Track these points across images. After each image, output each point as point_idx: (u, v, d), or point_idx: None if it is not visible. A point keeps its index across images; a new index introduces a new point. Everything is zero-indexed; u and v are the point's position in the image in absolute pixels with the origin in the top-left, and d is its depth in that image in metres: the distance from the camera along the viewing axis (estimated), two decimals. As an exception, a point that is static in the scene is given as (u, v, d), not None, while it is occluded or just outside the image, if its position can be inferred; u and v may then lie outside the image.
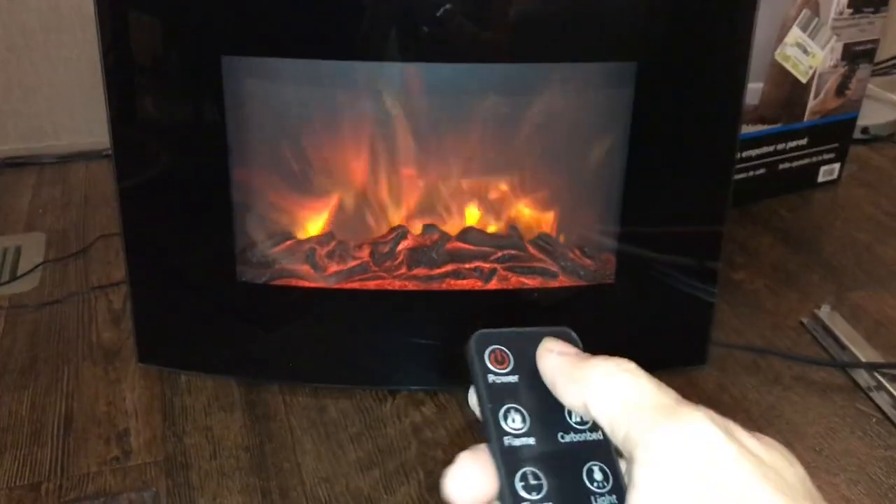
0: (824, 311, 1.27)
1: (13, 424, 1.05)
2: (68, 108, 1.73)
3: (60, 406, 1.08)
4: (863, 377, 1.14)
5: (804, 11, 1.47)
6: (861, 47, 1.57)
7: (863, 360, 1.16)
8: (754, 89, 1.48)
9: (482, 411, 0.28)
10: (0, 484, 0.96)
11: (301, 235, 1.13)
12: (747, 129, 1.52)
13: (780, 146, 1.60)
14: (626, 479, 0.27)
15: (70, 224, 1.51)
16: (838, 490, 0.97)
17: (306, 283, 1.10)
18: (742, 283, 1.37)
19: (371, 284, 1.10)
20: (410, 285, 1.10)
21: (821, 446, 1.03)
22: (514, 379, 0.28)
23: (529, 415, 0.28)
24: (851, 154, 1.72)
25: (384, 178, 1.12)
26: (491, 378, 0.28)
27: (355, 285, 1.10)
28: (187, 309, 1.12)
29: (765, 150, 1.58)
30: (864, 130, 1.85)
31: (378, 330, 1.12)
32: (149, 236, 1.08)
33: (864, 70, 1.60)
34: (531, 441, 0.27)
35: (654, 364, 1.19)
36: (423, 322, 1.12)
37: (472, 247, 1.12)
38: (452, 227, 1.13)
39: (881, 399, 1.11)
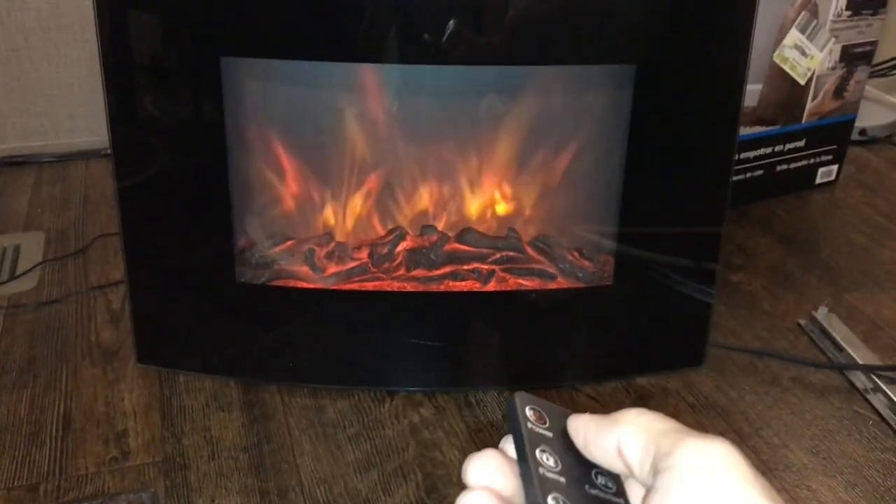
0: (822, 313, 1.27)
1: (11, 424, 1.05)
2: (68, 107, 1.73)
3: (59, 406, 1.08)
4: (860, 379, 1.15)
5: (803, 13, 1.47)
6: (859, 49, 1.57)
7: (860, 362, 1.17)
8: (753, 91, 1.49)
9: (519, 446, 0.30)
10: (-1, 484, 0.96)
11: (300, 236, 1.13)
12: (745, 131, 1.52)
13: (779, 148, 1.60)
14: None
15: (69, 223, 1.51)
16: (835, 493, 0.97)
17: (305, 284, 1.10)
18: (740, 284, 1.37)
19: (370, 285, 1.10)
20: (409, 286, 1.10)
21: (818, 448, 1.04)
22: (549, 434, 0.31)
23: (562, 463, 0.30)
24: (849, 156, 1.72)
25: (383, 179, 1.12)
26: (530, 425, 0.30)
27: (354, 286, 1.10)
28: (186, 309, 1.12)
29: (763, 151, 1.58)
30: (862, 132, 1.85)
31: (377, 331, 1.12)
32: (148, 236, 1.08)
33: (862, 72, 1.61)
34: (562, 479, 0.29)
35: (652, 365, 1.19)
36: (422, 323, 1.12)
37: (470, 248, 1.12)
38: (451, 229, 1.13)
39: (878, 401, 1.11)
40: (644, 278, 1.10)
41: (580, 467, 0.30)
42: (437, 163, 1.13)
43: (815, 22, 1.49)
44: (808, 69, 1.53)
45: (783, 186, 1.65)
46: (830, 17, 1.50)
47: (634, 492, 0.30)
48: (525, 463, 0.29)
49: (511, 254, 1.13)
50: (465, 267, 1.11)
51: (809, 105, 1.58)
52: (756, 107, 1.51)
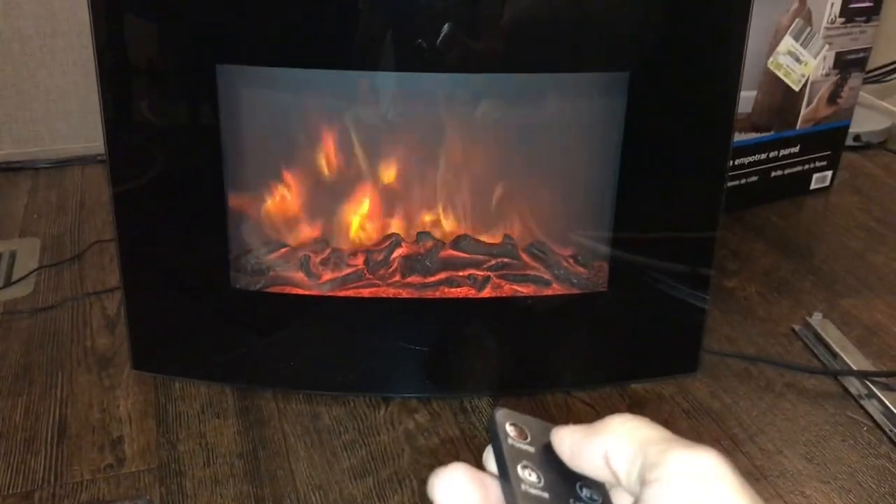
0: (816, 319, 1.27)
1: (6, 431, 1.05)
2: (64, 113, 1.73)
3: (54, 413, 1.08)
4: (854, 385, 1.15)
5: (797, 20, 1.48)
6: (853, 56, 1.58)
7: (854, 367, 1.17)
8: (747, 97, 1.49)
9: (500, 463, 0.29)
10: (-7, 491, 0.96)
11: (295, 243, 1.13)
12: (740, 137, 1.53)
13: (773, 154, 1.61)
14: None
15: (65, 229, 1.51)
16: (830, 499, 0.97)
17: (300, 291, 1.10)
18: (734, 290, 1.38)
19: (365, 292, 1.10)
20: (404, 293, 1.10)
21: (812, 454, 1.04)
22: (531, 449, 0.30)
23: (545, 478, 0.29)
24: (843, 161, 1.73)
25: (378, 186, 1.12)
26: (511, 441, 0.30)
27: (349, 293, 1.10)
28: (182, 315, 1.12)
29: (757, 157, 1.59)
30: (857, 138, 1.86)
31: (372, 337, 1.12)
32: (144, 242, 1.08)
33: (855, 78, 1.61)
34: (545, 496, 0.29)
35: (647, 371, 1.20)
36: (417, 329, 1.12)
37: (465, 254, 1.12)
38: (446, 235, 1.14)
39: (872, 407, 1.11)
40: (638, 284, 1.11)
41: (564, 481, 0.30)
42: (432, 169, 1.13)
43: (808, 29, 1.49)
44: (803, 76, 1.53)
45: (778, 192, 1.66)
46: (824, 23, 1.51)
47: (622, 500, 0.30)
48: (507, 481, 0.29)
49: (506, 260, 1.13)
50: (461, 273, 1.11)
51: (804, 111, 1.58)
52: (750, 113, 1.52)
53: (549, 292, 1.12)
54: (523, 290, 1.12)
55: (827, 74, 1.57)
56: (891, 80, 1.93)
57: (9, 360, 1.17)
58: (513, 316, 1.13)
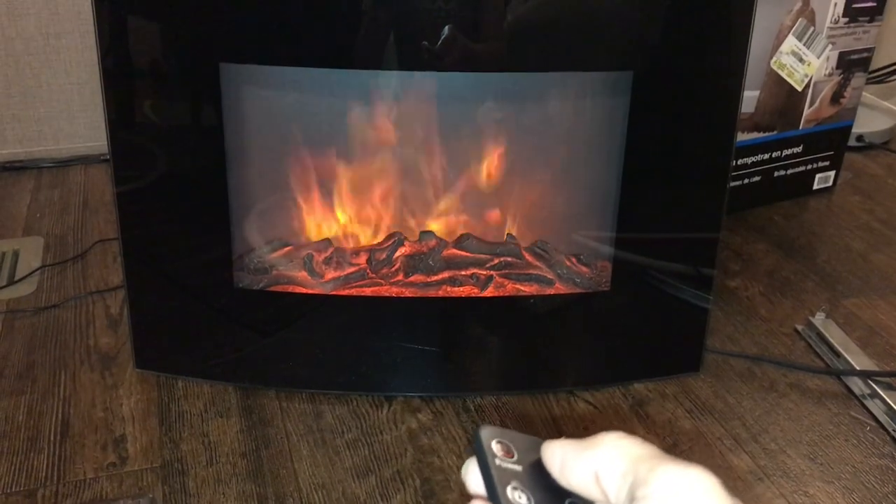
0: (819, 319, 1.27)
1: (9, 430, 1.05)
2: (67, 112, 1.74)
3: (57, 411, 1.08)
4: (857, 385, 1.15)
5: (800, 20, 1.48)
6: (856, 56, 1.58)
7: (857, 367, 1.17)
8: (750, 97, 1.49)
9: (489, 486, 0.29)
10: (-3, 489, 0.96)
11: (298, 241, 1.13)
12: (743, 137, 1.53)
13: (776, 154, 1.61)
14: None
15: (68, 228, 1.51)
16: (833, 498, 0.97)
17: (303, 290, 1.10)
18: (737, 290, 1.38)
19: (368, 291, 1.10)
20: (407, 292, 1.10)
21: (815, 454, 1.04)
22: (518, 468, 0.30)
23: (534, 499, 0.29)
24: (846, 162, 1.73)
25: (381, 185, 1.13)
26: (498, 461, 0.29)
27: (352, 292, 1.10)
28: (185, 314, 1.12)
29: (760, 157, 1.59)
30: (859, 138, 1.86)
31: (375, 336, 1.12)
32: (147, 241, 1.08)
33: (859, 78, 1.61)
34: None
35: (650, 371, 1.19)
36: (420, 328, 1.12)
37: (468, 254, 1.12)
38: (449, 234, 1.14)
39: (875, 407, 1.11)
40: (641, 284, 1.11)
41: (553, 500, 0.29)
42: (435, 168, 1.13)
43: (812, 29, 1.49)
44: (806, 76, 1.53)
45: (780, 192, 1.66)
46: (827, 23, 1.50)
47: None
48: (496, 501, 0.28)
49: (509, 259, 1.13)
50: (464, 272, 1.11)
51: (807, 111, 1.58)
52: (753, 113, 1.52)
53: (551, 292, 1.12)
54: (526, 289, 1.12)
55: (830, 74, 1.57)
56: (894, 80, 1.92)
57: (12, 358, 1.18)
58: (515, 315, 1.13)
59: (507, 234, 1.15)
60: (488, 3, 0.98)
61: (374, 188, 1.12)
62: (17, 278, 1.35)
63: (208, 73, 0.98)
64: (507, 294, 1.11)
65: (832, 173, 1.71)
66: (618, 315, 1.14)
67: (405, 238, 1.13)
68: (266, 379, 1.13)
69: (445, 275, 1.11)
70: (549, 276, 1.13)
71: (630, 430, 1.10)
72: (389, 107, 1.08)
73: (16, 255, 1.43)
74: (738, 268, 1.44)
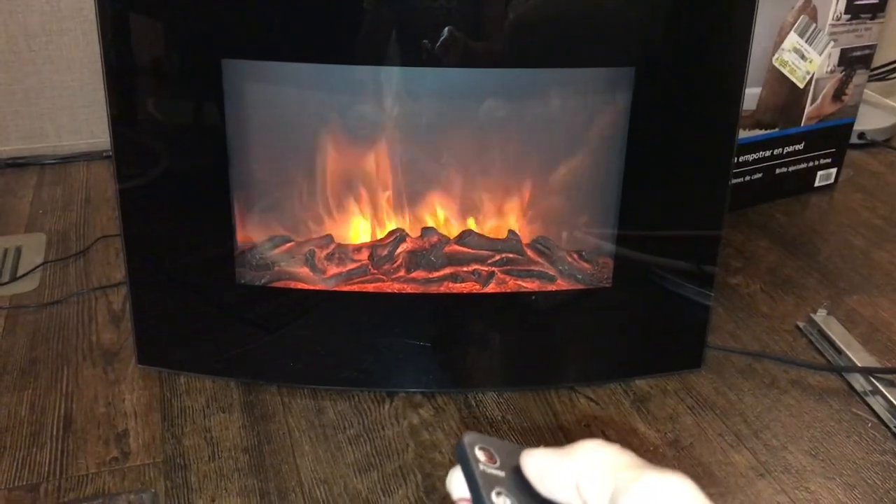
0: (820, 315, 1.27)
1: (12, 425, 1.05)
2: (70, 109, 1.74)
3: (60, 407, 1.08)
4: (858, 381, 1.15)
5: (802, 17, 1.48)
6: (858, 53, 1.58)
7: (858, 364, 1.17)
8: (752, 94, 1.49)
9: (474, 492, 0.29)
10: None
11: (300, 238, 1.13)
12: (744, 134, 1.53)
13: (777, 151, 1.61)
14: None
15: (70, 225, 1.52)
16: (834, 495, 0.97)
17: (305, 286, 1.10)
18: (738, 286, 1.38)
19: (370, 287, 1.10)
20: (409, 288, 1.10)
21: (816, 451, 1.04)
22: (501, 474, 0.30)
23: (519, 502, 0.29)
24: (848, 159, 1.73)
25: (383, 181, 1.13)
26: (482, 467, 0.29)
27: (354, 288, 1.10)
28: (187, 310, 1.12)
29: (762, 154, 1.59)
30: (861, 135, 1.86)
31: (376, 332, 1.12)
32: (149, 238, 1.08)
33: (860, 75, 1.61)
34: None
35: (651, 367, 1.19)
36: (422, 324, 1.12)
37: (470, 250, 1.13)
38: (451, 231, 1.14)
39: (876, 403, 1.11)
40: (643, 280, 1.11)
41: None
42: (437, 165, 1.13)
43: (814, 26, 1.49)
44: (808, 73, 1.53)
45: (782, 189, 1.66)
46: (829, 20, 1.50)
47: None
48: None
49: (511, 256, 1.13)
50: (465, 269, 1.12)
51: (808, 108, 1.58)
52: (755, 110, 1.52)
53: (553, 288, 1.12)
54: (528, 285, 1.12)
55: (832, 71, 1.57)
56: (896, 77, 1.92)
57: (15, 354, 1.18)
58: (517, 311, 1.13)
59: (509, 230, 1.15)
60: (490, -1, 0.98)
61: (375, 184, 1.13)
62: (19, 274, 1.36)
63: (210, 69, 0.98)
64: (508, 290, 1.11)
65: (834, 171, 1.71)
66: (619, 311, 1.14)
67: (407, 234, 1.13)
68: (268, 375, 1.13)
69: (447, 271, 1.11)
70: (551, 272, 1.13)
71: (631, 426, 1.10)
72: (391, 103, 1.08)
73: (18, 251, 1.43)
74: (739, 265, 1.44)
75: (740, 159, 1.55)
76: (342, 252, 1.13)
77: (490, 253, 1.13)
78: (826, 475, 1.00)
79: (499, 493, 0.29)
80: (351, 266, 1.12)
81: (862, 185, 1.74)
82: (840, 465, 1.02)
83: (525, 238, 1.15)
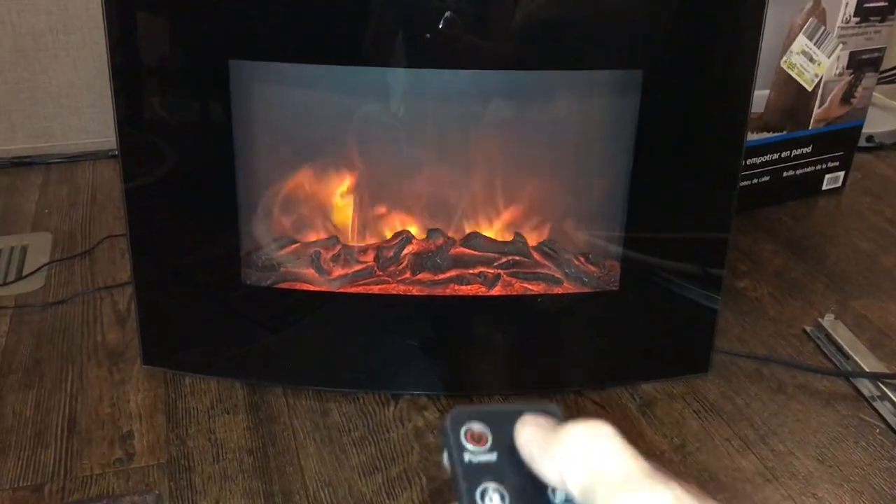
0: (828, 320, 1.26)
1: (17, 425, 1.05)
2: (76, 108, 1.74)
3: (64, 407, 1.08)
4: (866, 387, 1.14)
5: (810, 20, 1.47)
6: (867, 56, 1.57)
7: (866, 369, 1.16)
8: (759, 97, 1.48)
9: (458, 490, 0.27)
10: (3, 485, 0.96)
11: (306, 239, 1.13)
12: (752, 137, 1.52)
13: (785, 154, 1.60)
14: None
15: (76, 224, 1.52)
16: (842, 501, 0.97)
17: (311, 287, 1.10)
18: (745, 290, 1.37)
19: (375, 289, 1.10)
20: (415, 290, 1.10)
21: (824, 456, 1.03)
22: (492, 457, 0.27)
23: (510, 494, 0.27)
24: (856, 162, 1.72)
25: (389, 183, 1.12)
26: (468, 457, 0.27)
27: (360, 289, 1.10)
28: (192, 311, 1.12)
29: (769, 157, 1.58)
30: (870, 138, 1.85)
31: (382, 334, 1.12)
32: (155, 238, 1.08)
33: (869, 78, 1.60)
34: None
35: (657, 371, 1.19)
36: (427, 327, 1.12)
37: (476, 252, 1.12)
38: (457, 233, 1.13)
39: (885, 409, 1.10)
40: (650, 284, 1.10)
41: (533, 487, 0.27)
42: (444, 166, 1.13)
43: (822, 28, 1.48)
44: (816, 75, 1.52)
45: (790, 192, 1.65)
46: (838, 23, 1.50)
47: None
48: None
49: (517, 258, 1.13)
50: (471, 271, 1.11)
51: (816, 111, 1.58)
52: (763, 112, 1.51)
53: (559, 291, 1.12)
54: (534, 288, 1.11)
55: (840, 74, 1.56)
56: (905, 80, 1.91)
57: (20, 354, 1.18)
58: (523, 314, 1.12)
59: (515, 232, 1.14)
60: (498, 1, 0.98)
61: (381, 185, 1.12)
62: (25, 274, 1.36)
63: (217, 69, 0.98)
64: (514, 293, 1.11)
65: (842, 174, 1.70)
66: (626, 315, 1.13)
67: (413, 236, 1.12)
68: (273, 376, 1.13)
69: (453, 273, 1.11)
70: (557, 275, 1.13)
71: (637, 430, 1.09)
72: (398, 104, 1.08)
73: (24, 250, 1.43)
74: (746, 268, 1.43)
75: (748, 162, 1.55)
76: (348, 253, 1.12)
77: (496, 255, 1.12)
78: (833, 481, 1.00)
79: (486, 490, 0.27)
80: (357, 267, 1.11)
81: (870, 188, 1.73)
82: (847, 471, 1.01)
83: (531, 241, 1.14)
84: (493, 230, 1.15)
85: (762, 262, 1.45)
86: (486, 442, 0.28)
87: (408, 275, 1.11)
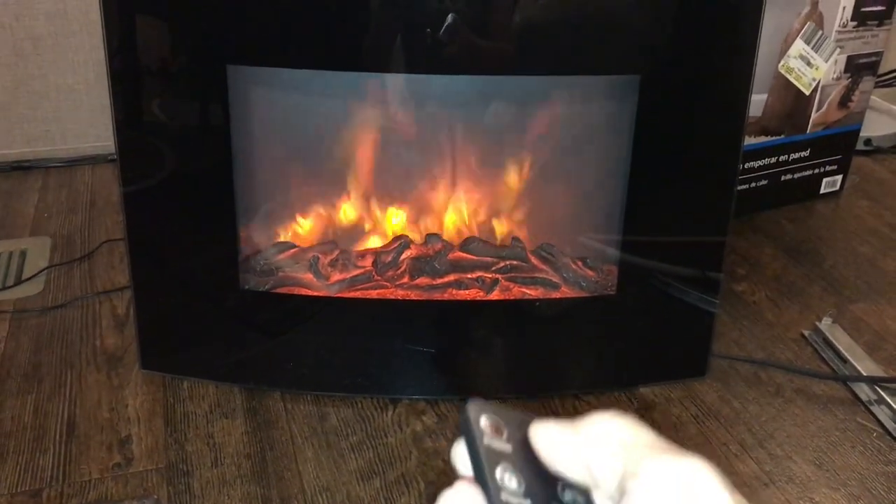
0: (826, 324, 1.27)
1: (16, 430, 1.05)
2: (75, 112, 1.74)
3: (63, 412, 1.08)
4: (864, 391, 1.15)
5: (808, 24, 1.47)
6: (864, 60, 1.57)
7: (864, 373, 1.16)
8: (757, 101, 1.49)
9: (477, 468, 0.27)
10: (1, 490, 0.96)
11: (304, 244, 1.13)
12: (750, 141, 1.52)
13: (783, 157, 1.60)
14: None
15: (75, 228, 1.52)
16: (838, 504, 0.97)
17: (309, 292, 1.10)
18: (743, 294, 1.37)
19: (373, 293, 1.10)
20: (413, 294, 1.10)
21: (821, 460, 1.03)
22: (508, 448, 0.28)
23: (525, 481, 0.27)
24: (854, 166, 1.72)
25: (387, 187, 1.13)
26: (487, 440, 0.27)
27: (358, 294, 1.10)
28: (191, 315, 1.12)
29: (767, 161, 1.58)
30: (867, 142, 1.85)
31: (380, 338, 1.12)
32: (153, 242, 1.08)
33: (867, 82, 1.61)
34: (527, 502, 0.26)
35: (655, 375, 1.19)
36: (425, 331, 1.12)
37: (474, 257, 1.12)
38: (455, 237, 1.14)
39: (882, 413, 1.11)
40: (648, 288, 1.10)
41: (544, 482, 0.27)
42: (441, 171, 1.13)
43: (820, 33, 1.49)
44: (814, 79, 1.53)
45: (787, 196, 1.65)
46: (836, 27, 1.50)
47: (605, 501, 0.28)
48: (486, 488, 0.26)
49: (515, 263, 1.13)
50: (469, 275, 1.11)
51: (814, 115, 1.58)
52: (761, 117, 1.51)
53: (557, 295, 1.12)
54: (532, 292, 1.12)
55: (838, 78, 1.56)
56: (902, 84, 1.92)
57: (18, 358, 1.18)
58: (521, 318, 1.13)
59: (513, 237, 1.14)
60: (495, 6, 0.98)
61: (379, 190, 1.12)
62: (24, 278, 1.36)
63: (215, 74, 0.98)
64: (512, 297, 1.11)
65: (839, 177, 1.71)
66: (624, 319, 1.13)
67: (411, 241, 1.13)
68: (271, 380, 1.13)
69: (451, 278, 1.11)
70: (555, 279, 1.13)
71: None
72: (395, 109, 1.08)
73: (23, 254, 1.43)
74: (744, 272, 1.43)
75: (746, 166, 1.55)
76: (346, 258, 1.13)
77: (494, 260, 1.13)
78: (831, 485, 1.00)
79: (504, 470, 0.27)
80: (355, 272, 1.11)
81: (868, 191, 1.73)
82: (845, 476, 1.01)
83: (529, 245, 1.14)
84: (490, 234, 1.15)
85: (760, 266, 1.45)
86: (503, 434, 0.28)
87: (406, 279, 1.11)
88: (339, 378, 1.13)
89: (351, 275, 1.11)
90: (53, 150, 1.76)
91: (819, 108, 1.57)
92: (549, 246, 1.15)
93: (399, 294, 1.10)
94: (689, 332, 1.16)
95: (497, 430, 0.28)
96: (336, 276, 1.11)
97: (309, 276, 1.11)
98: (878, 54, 1.59)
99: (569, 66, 1.03)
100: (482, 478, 0.27)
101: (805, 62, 1.50)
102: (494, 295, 1.11)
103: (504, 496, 0.26)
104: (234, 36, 0.99)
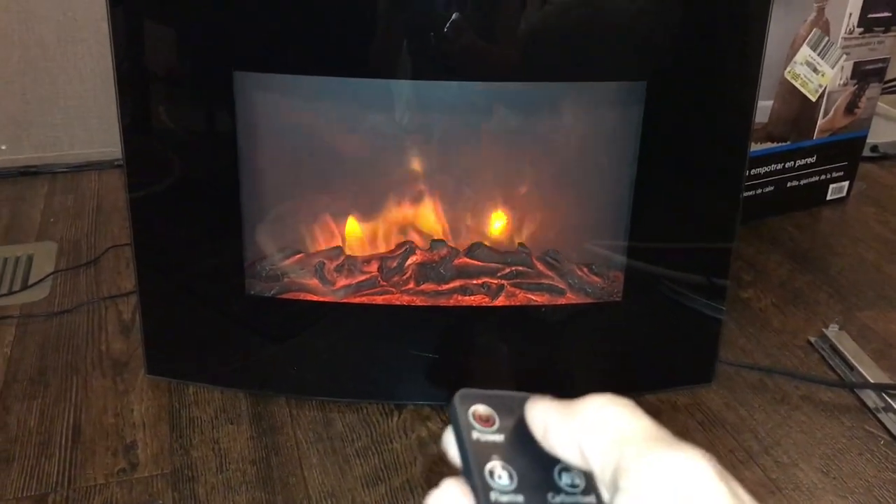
0: (832, 331, 1.26)
1: (21, 435, 1.05)
2: (82, 118, 1.75)
3: (69, 417, 1.09)
4: (871, 398, 1.14)
5: (814, 30, 1.47)
6: (871, 66, 1.57)
7: (871, 380, 1.16)
8: (764, 107, 1.49)
9: (465, 467, 0.26)
10: (7, 495, 0.97)
11: (310, 249, 1.13)
12: (756, 147, 1.52)
13: (789, 164, 1.60)
14: None
15: (81, 234, 1.52)
16: (845, 512, 0.96)
17: (315, 297, 1.10)
18: (750, 301, 1.37)
19: (379, 299, 1.10)
20: (418, 300, 1.10)
21: (828, 468, 1.03)
22: (499, 438, 0.27)
23: (517, 474, 0.26)
24: (860, 172, 1.72)
25: (393, 194, 1.13)
26: (476, 434, 0.27)
27: (363, 300, 1.10)
28: (196, 321, 1.12)
29: (774, 167, 1.58)
30: (874, 148, 1.85)
31: (385, 344, 1.12)
32: (159, 247, 1.08)
33: (873, 88, 1.60)
34: (519, 499, 0.26)
35: (661, 382, 1.19)
36: (431, 337, 1.12)
37: (479, 263, 1.12)
38: (461, 243, 1.14)
39: (889, 420, 1.10)
40: (654, 294, 1.10)
41: (540, 470, 0.26)
42: (448, 177, 1.13)
43: (826, 39, 1.48)
44: (820, 86, 1.52)
45: (794, 203, 1.65)
46: (842, 34, 1.50)
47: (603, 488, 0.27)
48: (473, 487, 0.26)
49: (520, 268, 1.13)
50: (475, 281, 1.11)
51: (820, 121, 1.58)
52: (767, 123, 1.51)
53: (563, 301, 1.12)
54: (537, 298, 1.11)
55: (844, 85, 1.56)
56: (909, 90, 1.91)
57: (24, 363, 1.18)
58: (526, 324, 1.12)
59: (519, 243, 1.14)
60: (502, 13, 0.98)
61: (385, 196, 1.12)
62: (30, 283, 1.36)
63: (222, 80, 0.99)
64: (518, 303, 1.11)
65: (846, 184, 1.70)
66: (629, 325, 1.13)
67: (416, 247, 1.13)
68: (277, 386, 1.13)
69: (456, 284, 1.11)
70: (561, 285, 1.13)
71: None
72: (402, 115, 1.09)
73: (30, 259, 1.44)
74: (750, 278, 1.43)
75: (752, 172, 1.55)
76: (352, 264, 1.13)
77: (500, 266, 1.13)
78: (837, 493, 0.99)
79: (494, 466, 0.26)
80: (360, 278, 1.11)
81: (874, 198, 1.73)
82: (852, 483, 1.01)
83: (535, 251, 1.14)
84: (496, 240, 1.15)
85: (766, 273, 1.45)
86: (494, 424, 0.27)
87: (411, 285, 1.11)
88: (345, 384, 1.13)
89: (356, 280, 1.11)
90: (60, 156, 1.77)
91: (825, 115, 1.57)
92: (554, 252, 1.15)
93: (404, 300, 1.10)
94: (695, 338, 1.15)
95: (488, 421, 0.27)
96: (342, 282, 1.11)
97: (314, 282, 1.11)
98: (885, 60, 1.59)
99: (575, 73, 1.03)
100: (469, 474, 0.26)
101: (811, 68, 1.50)
102: (500, 301, 1.11)
103: (494, 496, 0.25)
104: (241, 42, 1.00)
